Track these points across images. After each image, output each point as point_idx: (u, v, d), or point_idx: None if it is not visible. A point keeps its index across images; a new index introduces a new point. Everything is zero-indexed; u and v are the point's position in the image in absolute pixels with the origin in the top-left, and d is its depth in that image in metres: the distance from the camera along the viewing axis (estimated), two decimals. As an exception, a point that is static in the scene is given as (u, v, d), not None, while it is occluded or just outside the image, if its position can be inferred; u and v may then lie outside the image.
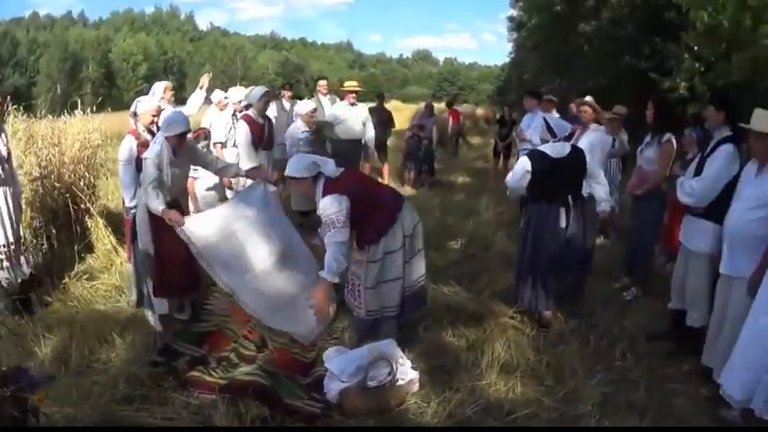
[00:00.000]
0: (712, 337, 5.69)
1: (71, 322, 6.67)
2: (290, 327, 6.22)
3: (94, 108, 10.68)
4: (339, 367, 5.39)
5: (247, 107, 9.21)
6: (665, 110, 7.60)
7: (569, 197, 6.62)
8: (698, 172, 6.06)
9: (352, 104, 11.54)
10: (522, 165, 6.69)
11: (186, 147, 6.69)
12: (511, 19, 42.32)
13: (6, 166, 7.02)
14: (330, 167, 5.89)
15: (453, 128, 22.84)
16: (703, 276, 6.10)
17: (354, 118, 11.43)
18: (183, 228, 6.27)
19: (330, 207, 5.62)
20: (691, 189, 6.04)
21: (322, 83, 13.54)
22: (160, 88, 8.93)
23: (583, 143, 8.36)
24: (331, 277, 5.71)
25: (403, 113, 30.67)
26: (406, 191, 14.99)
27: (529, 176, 6.61)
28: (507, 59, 54.23)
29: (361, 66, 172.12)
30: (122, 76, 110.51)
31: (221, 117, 9.98)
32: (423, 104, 19.62)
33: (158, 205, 6.29)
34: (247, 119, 8.91)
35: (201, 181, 8.71)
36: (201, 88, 9.65)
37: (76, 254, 8.58)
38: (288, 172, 5.93)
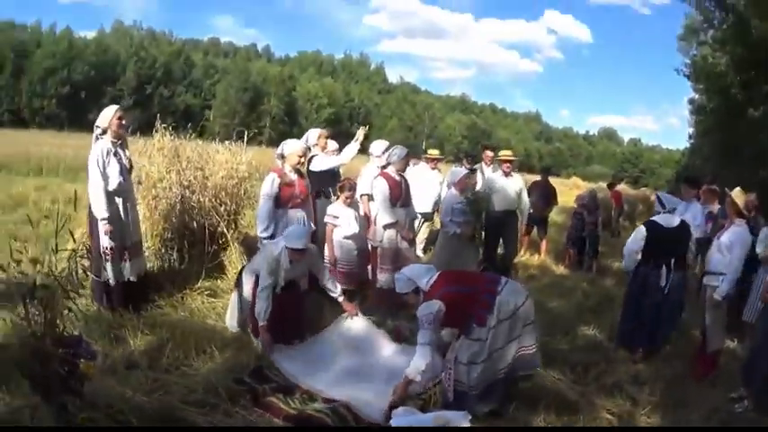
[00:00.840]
0: None
1: (174, 327, 7.45)
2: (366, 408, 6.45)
3: (265, 143, 11.49)
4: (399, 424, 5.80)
5: (387, 166, 9.65)
6: None
7: (671, 260, 8.46)
8: None
9: (507, 174, 11.99)
10: (640, 232, 8.66)
11: (305, 258, 7.54)
12: (692, 102, 42.12)
13: (126, 177, 8.14)
14: (424, 280, 6.54)
15: (616, 210, 22.62)
16: None
17: (509, 188, 11.87)
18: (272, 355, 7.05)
19: (423, 309, 6.31)
20: None
21: (488, 153, 13.91)
22: (314, 135, 10.06)
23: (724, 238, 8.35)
24: (413, 375, 6.28)
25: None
26: (559, 270, 15.12)
27: (643, 242, 8.49)
28: (688, 144, 53.05)
29: (547, 138, 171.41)
30: (305, 116, 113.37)
31: (369, 170, 10.54)
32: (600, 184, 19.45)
33: (262, 313, 7.22)
34: (385, 175, 9.39)
35: (341, 229, 9.23)
36: (357, 141, 10.06)
37: (204, 271, 9.45)
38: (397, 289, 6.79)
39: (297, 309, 7.69)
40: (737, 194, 8.40)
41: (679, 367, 8.54)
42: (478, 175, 12.58)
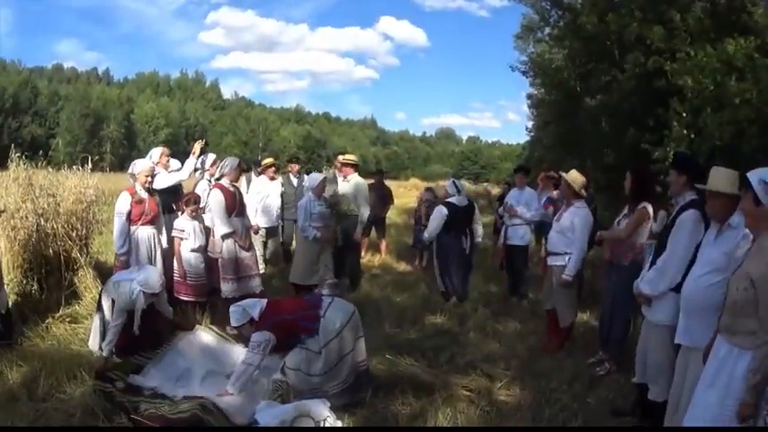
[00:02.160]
0: (671, 411, 5.50)
1: (44, 356, 7.25)
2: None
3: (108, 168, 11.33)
4: (264, 420, 5.87)
5: (220, 177, 9.72)
6: (642, 181, 7.72)
7: (467, 230, 11.00)
8: (661, 243, 6.12)
9: (345, 177, 12.16)
10: (442, 211, 10.78)
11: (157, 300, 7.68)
12: (530, 97, 43.14)
13: None
14: (256, 311, 6.75)
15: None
16: (664, 349, 5.99)
17: (350, 192, 11.97)
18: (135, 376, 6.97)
19: (255, 337, 6.53)
20: (649, 279, 6.12)
21: (341, 158, 13.65)
22: (157, 153, 10.06)
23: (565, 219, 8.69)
24: (235, 391, 6.43)
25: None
26: (401, 267, 15.61)
27: (446, 219, 10.63)
28: (528, 137, 54.49)
29: (384, 143, 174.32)
30: (143, 139, 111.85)
31: (201, 185, 10.70)
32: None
33: (111, 344, 7.35)
34: (220, 187, 9.45)
35: (187, 242, 9.22)
36: (194, 155, 10.17)
37: (63, 299, 9.25)
38: (232, 324, 6.97)
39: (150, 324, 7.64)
40: (573, 177, 8.66)
41: (532, 343, 8.95)
42: (330, 178, 12.58)
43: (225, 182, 9.51)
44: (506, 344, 8.86)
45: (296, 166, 14.37)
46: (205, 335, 7.95)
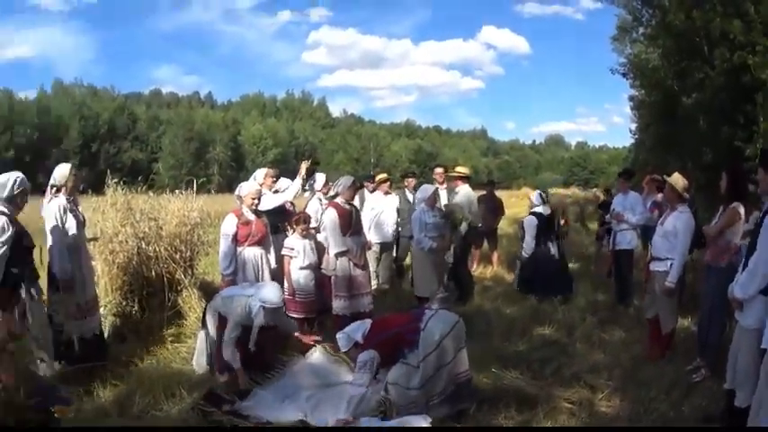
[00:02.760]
0: (753, 415, 5.41)
1: (142, 375, 7.60)
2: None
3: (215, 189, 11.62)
4: (368, 433, 5.99)
5: (335, 196, 9.89)
6: (735, 180, 7.61)
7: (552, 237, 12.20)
8: (752, 244, 5.86)
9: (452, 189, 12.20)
10: (533, 221, 12.06)
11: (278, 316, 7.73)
12: (631, 98, 42.75)
13: (82, 233, 8.27)
14: (359, 334, 6.88)
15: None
16: (751, 354, 5.82)
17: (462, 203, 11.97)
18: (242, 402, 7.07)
19: (361, 358, 6.63)
20: (741, 282, 5.91)
21: (438, 170, 13.88)
22: (261, 174, 10.19)
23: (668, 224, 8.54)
24: (351, 417, 6.44)
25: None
26: (512, 278, 14.84)
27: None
28: (632, 140, 53.48)
29: (494, 153, 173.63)
30: (252, 159, 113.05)
31: (312, 205, 10.82)
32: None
33: (233, 358, 7.35)
34: (334, 205, 9.59)
35: (297, 260, 9.43)
36: (300, 176, 10.30)
37: (166, 319, 9.60)
38: (341, 349, 7.15)
39: (265, 344, 7.77)
40: (675, 180, 8.55)
41: (636, 352, 8.85)
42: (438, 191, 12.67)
43: (340, 200, 9.66)
44: (611, 353, 8.81)
45: (412, 181, 14.22)
46: (318, 355, 8.06)
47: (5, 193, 6.73)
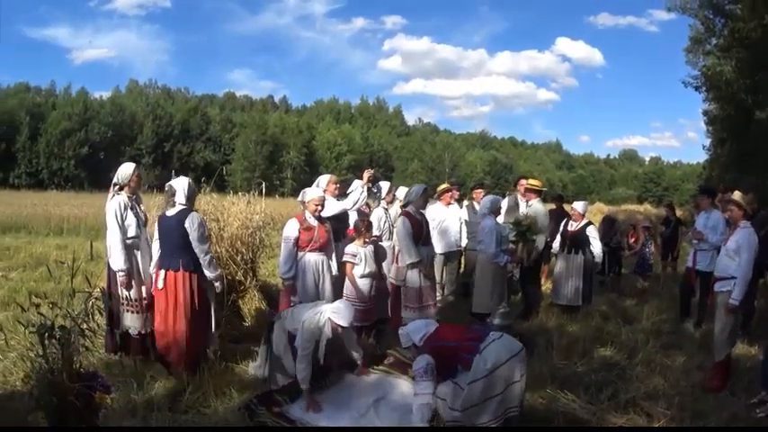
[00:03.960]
0: None
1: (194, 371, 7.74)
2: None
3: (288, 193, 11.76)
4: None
5: (406, 204, 9.98)
6: None
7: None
8: None
9: (527, 203, 12.12)
10: None
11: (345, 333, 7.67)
12: (705, 113, 42.32)
13: (143, 230, 8.62)
14: (418, 336, 6.99)
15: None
16: None
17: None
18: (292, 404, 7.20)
19: (416, 364, 6.77)
20: None
21: (522, 182, 13.67)
22: (324, 181, 10.33)
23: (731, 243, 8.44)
24: (419, 423, 6.56)
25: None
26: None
27: None
28: (707, 156, 52.72)
29: (569, 166, 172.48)
30: (326, 165, 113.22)
31: (376, 213, 10.84)
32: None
33: (305, 379, 7.16)
34: (407, 214, 9.70)
35: (358, 268, 9.46)
36: (363, 185, 10.40)
37: (224, 319, 9.74)
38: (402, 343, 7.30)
39: (330, 362, 7.78)
40: (736, 197, 8.48)
41: (697, 379, 8.64)
42: (512, 203, 12.75)
43: (411, 209, 9.78)
44: (671, 379, 8.60)
45: (481, 193, 13.83)
46: (374, 375, 8.06)
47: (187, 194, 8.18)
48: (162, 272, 8.01)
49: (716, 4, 25.27)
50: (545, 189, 13.09)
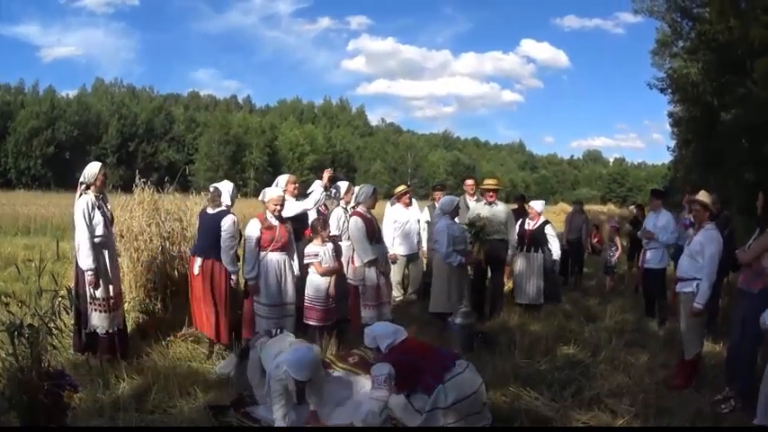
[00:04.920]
0: None
1: (160, 371, 7.76)
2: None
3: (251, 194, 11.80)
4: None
5: (356, 205, 10.04)
6: None
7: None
8: None
9: (490, 203, 12.08)
10: None
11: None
12: (670, 115, 42.50)
13: (110, 229, 8.68)
14: (385, 343, 7.01)
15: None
16: None
17: (494, 216, 11.81)
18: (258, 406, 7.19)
19: (375, 369, 6.74)
20: None
21: (469, 182, 13.88)
22: (283, 180, 10.39)
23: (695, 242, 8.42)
24: (370, 422, 6.57)
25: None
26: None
27: None
28: (671, 157, 53.21)
29: (532, 167, 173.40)
30: (288, 165, 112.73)
31: (335, 212, 10.76)
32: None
33: (282, 416, 6.77)
34: (358, 214, 9.77)
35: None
36: (321, 185, 10.49)
37: (188, 319, 9.66)
38: (366, 342, 7.29)
39: None
40: (702, 197, 8.44)
41: (661, 377, 8.74)
42: (461, 204, 12.57)
43: (362, 209, 9.84)
44: (635, 377, 8.68)
45: (440, 194, 13.55)
46: (337, 372, 8.03)
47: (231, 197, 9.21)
48: (199, 259, 8.99)
49: (683, 8, 25.57)
50: (500, 188, 13.06)
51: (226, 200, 9.08)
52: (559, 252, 13.40)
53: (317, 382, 7.11)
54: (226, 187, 9.22)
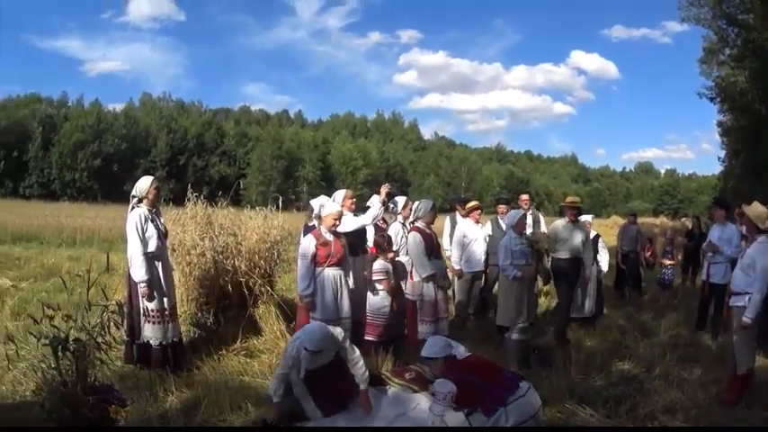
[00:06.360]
0: None
1: (211, 385, 7.80)
2: None
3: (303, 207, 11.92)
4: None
5: (415, 220, 10.03)
6: None
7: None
8: None
9: (573, 222, 11.86)
10: None
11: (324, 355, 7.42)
12: (720, 124, 41.97)
13: (163, 242, 8.76)
14: (461, 350, 7.12)
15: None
16: None
17: (575, 235, 11.67)
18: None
19: (439, 385, 6.72)
20: None
21: (523, 197, 13.83)
22: (341, 196, 10.24)
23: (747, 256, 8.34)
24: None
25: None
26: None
27: None
28: (721, 167, 52.56)
29: (585, 180, 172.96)
30: (341, 179, 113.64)
31: (394, 227, 10.78)
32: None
33: (275, 392, 7.00)
34: (417, 230, 9.76)
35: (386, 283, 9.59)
36: (379, 200, 10.21)
37: (241, 332, 9.76)
38: (422, 353, 7.25)
39: (334, 382, 7.65)
40: (753, 209, 8.36)
41: (714, 392, 8.64)
42: (529, 218, 12.54)
43: (420, 224, 9.85)
44: (689, 392, 8.54)
45: (504, 208, 13.46)
46: (393, 390, 7.75)
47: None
48: None
49: (729, 15, 25.35)
50: (581, 205, 12.72)
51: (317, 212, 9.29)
52: (607, 266, 13.35)
53: (350, 361, 7.31)
54: (316, 202, 9.44)
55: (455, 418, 6.59)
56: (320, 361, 7.16)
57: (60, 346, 5.78)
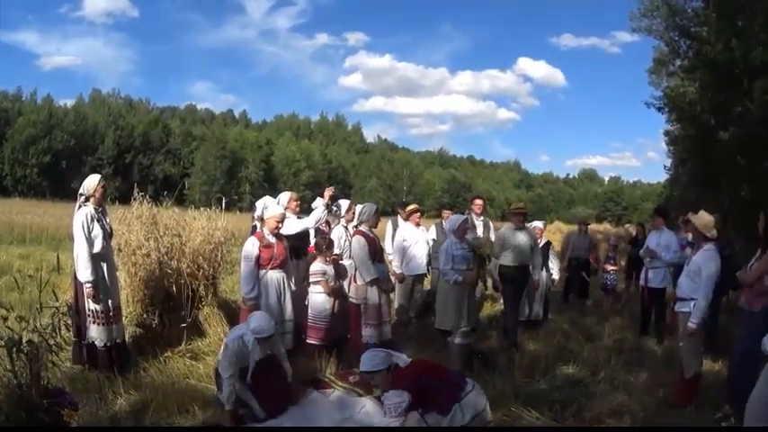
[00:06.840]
0: None
1: (157, 388, 7.68)
2: None
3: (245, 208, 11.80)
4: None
5: (359, 224, 10.01)
6: None
7: None
8: None
9: (520, 228, 11.68)
10: None
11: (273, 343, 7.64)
12: (667, 133, 43.16)
13: (109, 242, 8.69)
14: (403, 358, 7.10)
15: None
16: None
17: (522, 241, 11.53)
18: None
19: (391, 396, 6.65)
20: None
21: (477, 202, 13.60)
22: (285, 198, 10.23)
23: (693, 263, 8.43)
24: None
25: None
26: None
27: None
28: (667, 176, 53.46)
29: (528, 185, 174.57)
30: (284, 181, 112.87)
31: (337, 230, 10.76)
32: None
33: (228, 397, 7.11)
34: (361, 233, 9.76)
35: (319, 286, 9.55)
36: (323, 203, 10.29)
37: (185, 334, 9.71)
38: (362, 368, 7.08)
39: (273, 383, 7.60)
40: (700, 217, 8.46)
41: (661, 396, 8.76)
42: (475, 222, 12.63)
43: (364, 228, 9.85)
44: (635, 396, 8.61)
45: (448, 213, 13.53)
46: (337, 393, 7.97)
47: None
48: None
49: (682, 27, 25.70)
50: (527, 211, 12.64)
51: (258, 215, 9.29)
52: (558, 271, 13.43)
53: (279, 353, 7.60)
54: (261, 203, 9.50)
55: (410, 419, 6.60)
56: (266, 349, 7.30)
57: (15, 348, 5.71)
